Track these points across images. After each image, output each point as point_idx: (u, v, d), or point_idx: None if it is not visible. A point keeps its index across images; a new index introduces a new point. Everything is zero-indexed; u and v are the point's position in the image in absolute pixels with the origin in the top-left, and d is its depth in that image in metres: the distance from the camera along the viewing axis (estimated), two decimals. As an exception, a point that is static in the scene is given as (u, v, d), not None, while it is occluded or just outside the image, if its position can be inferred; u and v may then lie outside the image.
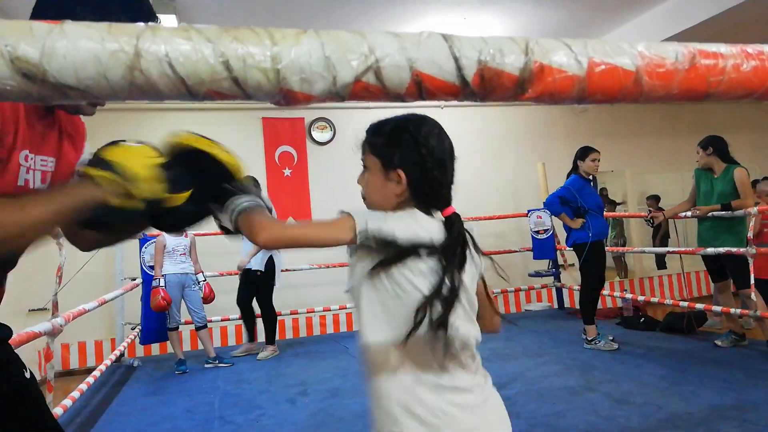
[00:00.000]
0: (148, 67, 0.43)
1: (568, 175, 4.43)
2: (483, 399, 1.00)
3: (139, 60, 0.42)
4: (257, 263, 4.71)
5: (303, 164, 6.12)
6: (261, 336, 5.03)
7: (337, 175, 5.88)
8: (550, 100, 0.54)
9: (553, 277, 6.15)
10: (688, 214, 4.19)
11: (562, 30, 5.40)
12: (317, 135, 6.22)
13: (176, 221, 1.05)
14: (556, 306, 6.29)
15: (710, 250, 4.04)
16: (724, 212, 3.92)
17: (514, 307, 6.55)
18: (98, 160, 0.90)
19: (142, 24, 0.44)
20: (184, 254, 4.54)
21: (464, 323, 0.98)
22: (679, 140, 7.17)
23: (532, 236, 6.12)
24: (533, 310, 6.35)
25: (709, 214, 4.00)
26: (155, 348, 5.34)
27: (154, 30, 0.43)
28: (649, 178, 7.55)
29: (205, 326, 4.63)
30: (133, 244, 4.80)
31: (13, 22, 0.42)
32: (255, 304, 4.96)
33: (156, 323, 4.58)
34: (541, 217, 6.01)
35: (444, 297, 0.94)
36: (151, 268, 4.43)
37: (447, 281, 0.94)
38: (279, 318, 5.03)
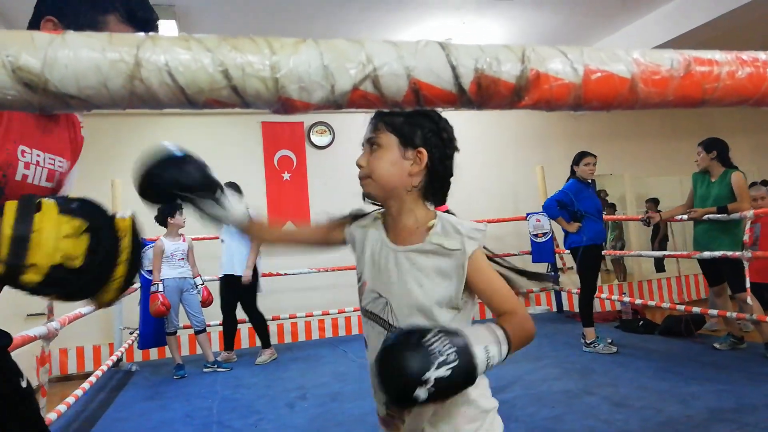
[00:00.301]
0: (148, 77, 0.43)
1: (568, 179, 4.45)
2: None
3: (140, 69, 0.43)
4: (241, 268, 4.59)
5: (302, 168, 6.12)
6: (245, 342, 4.98)
7: (336, 180, 5.88)
8: (547, 108, 0.54)
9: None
10: (685, 216, 4.20)
11: (560, 34, 5.42)
12: (316, 139, 6.22)
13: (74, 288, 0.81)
14: (554, 309, 6.29)
15: (706, 254, 4.04)
16: (719, 215, 3.93)
17: (513, 310, 6.54)
18: None
19: (142, 34, 0.44)
20: (183, 259, 4.54)
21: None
22: (679, 143, 7.19)
23: (531, 239, 6.13)
24: (532, 313, 6.32)
25: (705, 217, 4.00)
26: (153, 353, 5.32)
27: (154, 40, 0.44)
28: (649, 181, 7.56)
29: (204, 330, 4.63)
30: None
31: (15, 32, 0.42)
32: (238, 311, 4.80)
33: (154, 328, 4.57)
34: (539, 221, 6.02)
35: None
36: (150, 272, 4.42)
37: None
38: (277, 322, 4.99)
